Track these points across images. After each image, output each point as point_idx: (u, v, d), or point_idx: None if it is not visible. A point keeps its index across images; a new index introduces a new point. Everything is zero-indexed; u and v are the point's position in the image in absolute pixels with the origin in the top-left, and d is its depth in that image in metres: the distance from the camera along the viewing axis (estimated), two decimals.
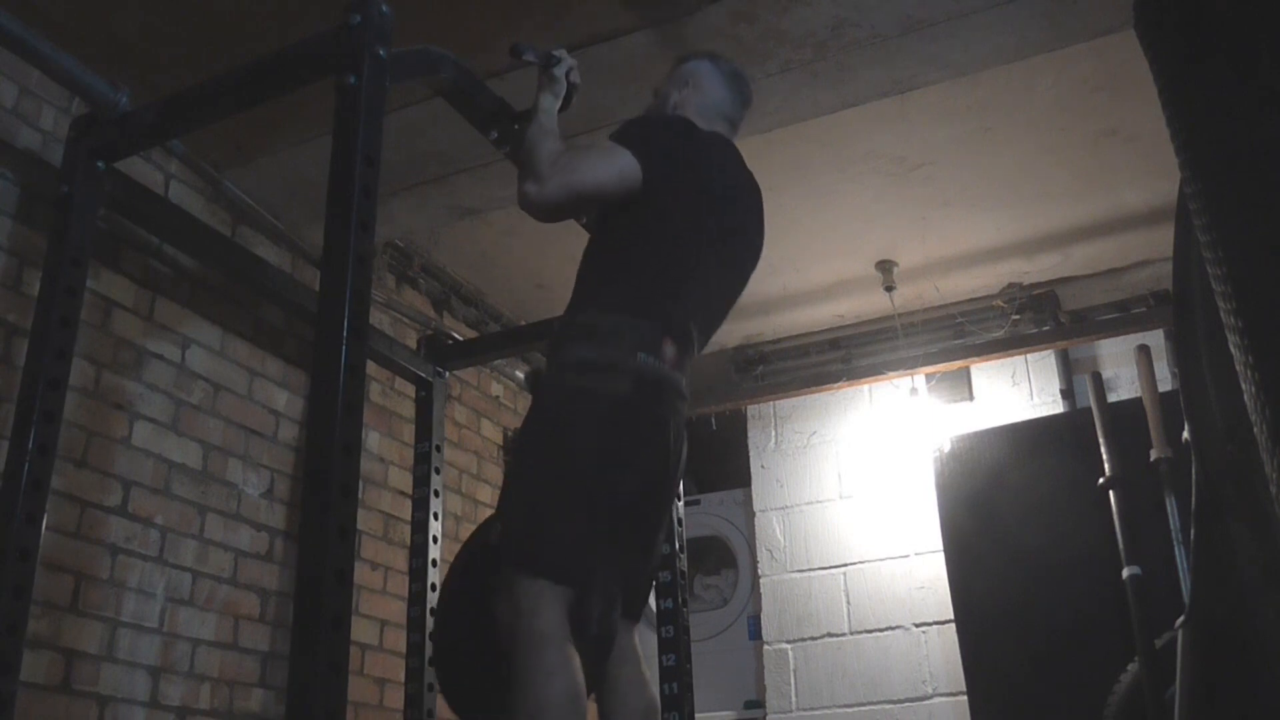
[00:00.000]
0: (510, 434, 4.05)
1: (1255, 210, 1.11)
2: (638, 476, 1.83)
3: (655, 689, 1.95)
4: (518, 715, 1.63)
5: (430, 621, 3.12)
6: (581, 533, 1.76)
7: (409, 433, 3.44)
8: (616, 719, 1.88)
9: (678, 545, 2.95)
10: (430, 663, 3.08)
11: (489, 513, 3.84)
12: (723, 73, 2.23)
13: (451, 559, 3.52)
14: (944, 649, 3.79)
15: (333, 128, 1.82)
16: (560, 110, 2.18)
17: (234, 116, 2.30)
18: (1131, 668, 3.05)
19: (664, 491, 1.91)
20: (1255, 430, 1.08)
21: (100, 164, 2.33)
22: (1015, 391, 4.07)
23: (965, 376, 4.14)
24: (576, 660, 1.68)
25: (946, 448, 3.84)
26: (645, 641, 2.08)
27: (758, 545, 4.29)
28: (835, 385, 4.18)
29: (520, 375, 4.18)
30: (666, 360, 1.84)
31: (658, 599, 2.90)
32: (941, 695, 3.79)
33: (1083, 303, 4.03)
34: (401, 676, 3.13)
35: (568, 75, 2.20)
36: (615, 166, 1.92)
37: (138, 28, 2.45)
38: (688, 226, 1.95)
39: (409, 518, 3.30)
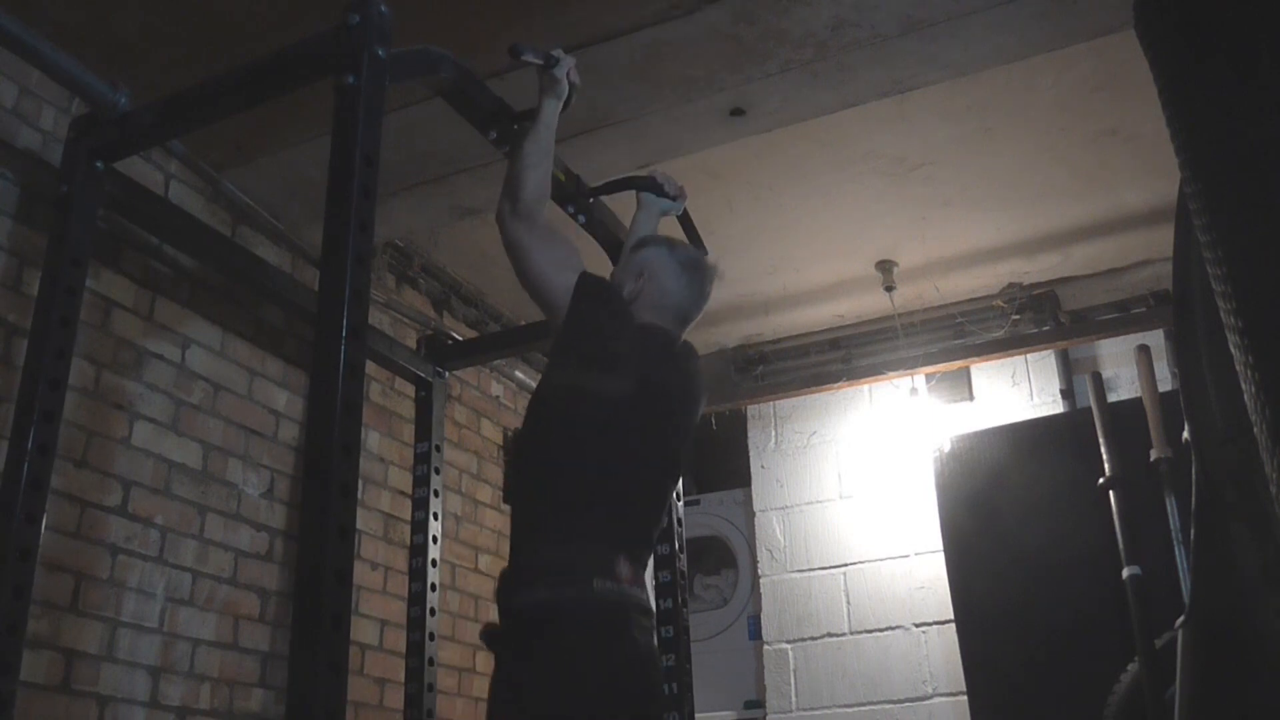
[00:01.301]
0: (510, 433, 4.05)
1: (1255, 210, 1.11)
2: (619, 706, 1.74)
3: None
4: None
5: (430, 621, 3.12)
6: None
7: (409, 433, 3.44)
8: None
9: (678, 545, 2.95)
10: (432, 664, 3.08)
11: (489, 512, 3.86)
12: (678, 263, 2.10)
13: (452, 559, 3.54)
14: (944, 649, 3.79)
15: (332, 128, 1.82)
16: (560, 111, 2.18)
17: (234, 116, 2.30)
18: (1131, 668, 3.06)
19: (649, 710, 1.83)
20: (1255, 430, 1.08)
21: (100, 164, 2.33)
22: (1015, 391, 4.07)
23: (965, 376, 4.14)
24: None
25: (946, 448, 3.84)
26: None
27: (758, 545, 4.29)
28: (835, 385, 4.18)
29: (520, 375, 4.18)
30: (623, 580, 1.77)
31: (658, 599, 2.90)
32: (941, 695, 3.79)
33: (1083, 303, 4.03)
34: (401, 676, 3.13)
35: (568, 75, 2.20)
36: (557, 271, 1.92)
37: (138, 28, 2.45)
38: (621, 435, 1.88)
39: (409, 518, 3.30)
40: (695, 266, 2.12)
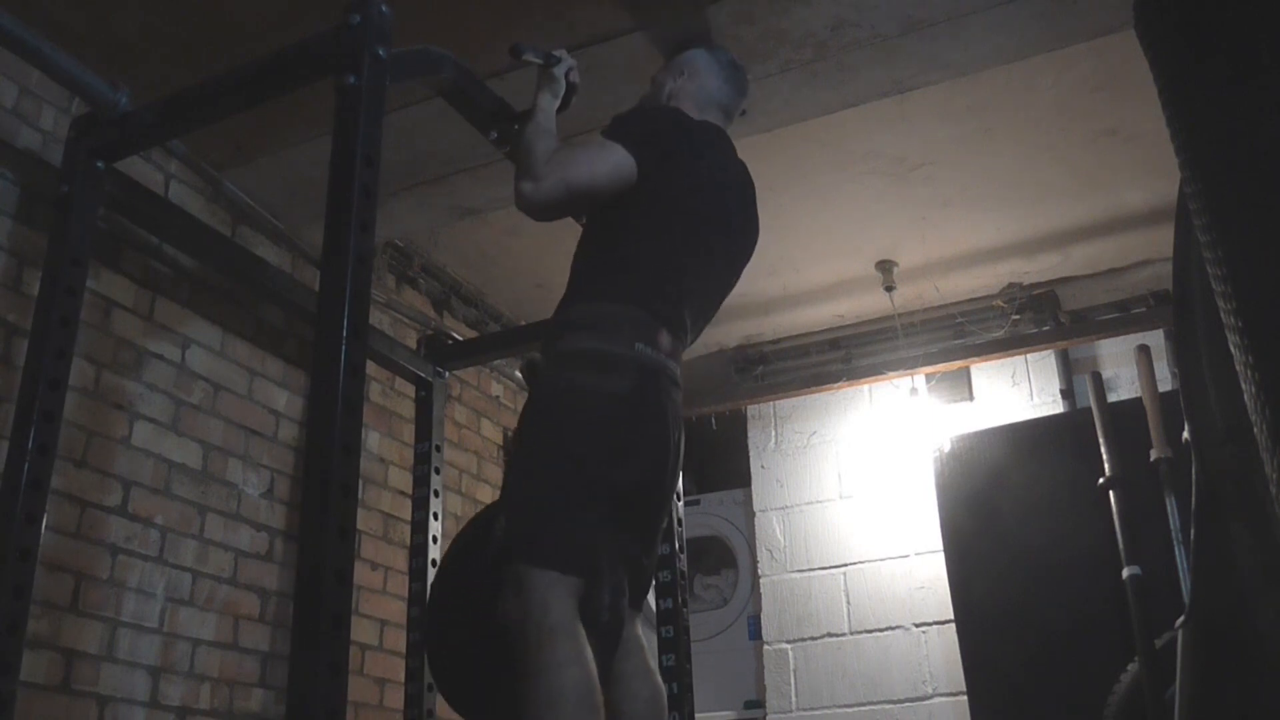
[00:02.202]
0: (510, 434, 4.06)
1: (1255, 210, 1.11)
2: (639, 464, 1.84)
3: (660, 678, 1.95)
4: (531, 708, 1.62)
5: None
6: (587, 522, 1.77)
7: (409, 433, 3.44)
8: (624, 708, 1.88)
9: (678, 545, 2.95)
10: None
11: None
12: (719, 62, 2.25)
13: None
14: (944, 649, 3.79)
15: (333, 128, 1.82)
16: (560, 110, 2.18)
17: (234, 116, 2.30)
18: (1131, 668, 3.05)
19: (664, 480, 1.92)
20: (1255, 430, 1.08)
21: (100, 164, 2.33)
22: (1015, 391, 4.07)
23: (965, 376, 4.14)
24: (589, 651, 1.68)
25: (946, 448, 3.84)
26: (646, 640, 2.08)
27: (758, 545, 4.29)
28: (835, 385, 4.19)
29: (519, 375, 4.18)
30: (663, 349, 1.87)
31: (658, 599, 2.90)
32: (941, 695, 3.79)
33: (1083, 303, 4.03)
34: (401, 676, 3.13)
35: (567, 75, 2.21)
36: (609, 163, 1.93)
37: (138, 28, 2.45)
38: (680, 217, 1.97)
39: (409, 518, 3.30)
40: (734, 64, 2.27)
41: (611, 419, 1.80)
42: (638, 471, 1.84)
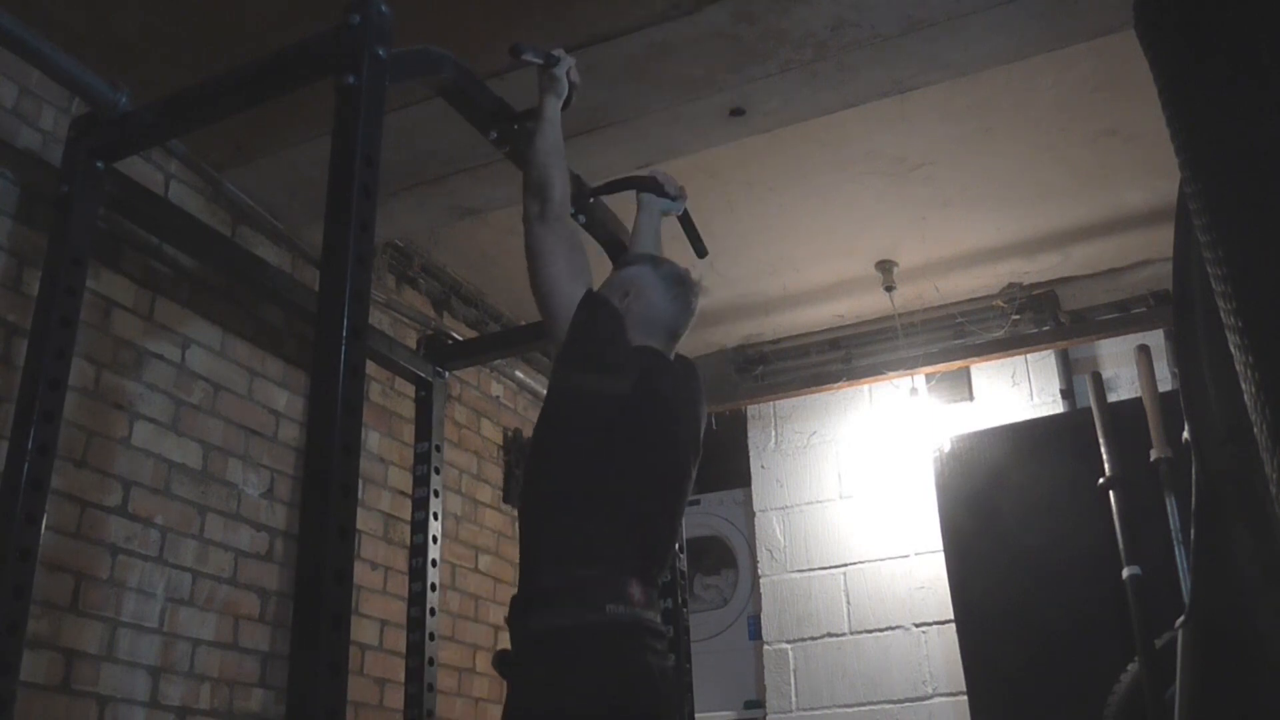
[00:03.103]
0: (510, 433, 4.06)
1: (1255, 210, 1.11)
2: None
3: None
4: None
5: (430, 621, 3.12)
6: None
7: (409, 433, 3.44)
8: None
9: (678, 545, 2.95)
10: (432, 664, 3.08)
11: (489, 512, 3.86)
12: (663, 279, 2.09)
13: (452, 559, 3.54)
14: (944, 649, 3.79)
15: (333, 128, 1.82)
16: (561, 110, 2.18)
17: (234, 116, 2.30)
18: (1131, 668, 3.06)
19: None
20: (1255, 430, 1.08)
21: (100, 164, 2.32)
22: (1015, 391, 4.07)
23: (965, 376, 4.14)
24: None
25: (946, 448, 3.84)
26: None
27: (758, 545, 4.29)
28: (835, 385, 4.19)
29: (520, 375, 4.18)
30: (636, 603, 1.77)
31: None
32: (941, 695, 3.79)
33: (1083, 303, 4.03)
34: (401, 676, 3.13)
35: (568, 75, 2.20)
36: (569, 281, 1.91)
37: (138, 28, 2.44)
38: (628, 455, 1.87)
39: (409, 518, 3.30)
40: (681, 281, 2.10)
41: (593, 693, 1.70)
42: None
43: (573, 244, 1.98)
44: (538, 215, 1.95)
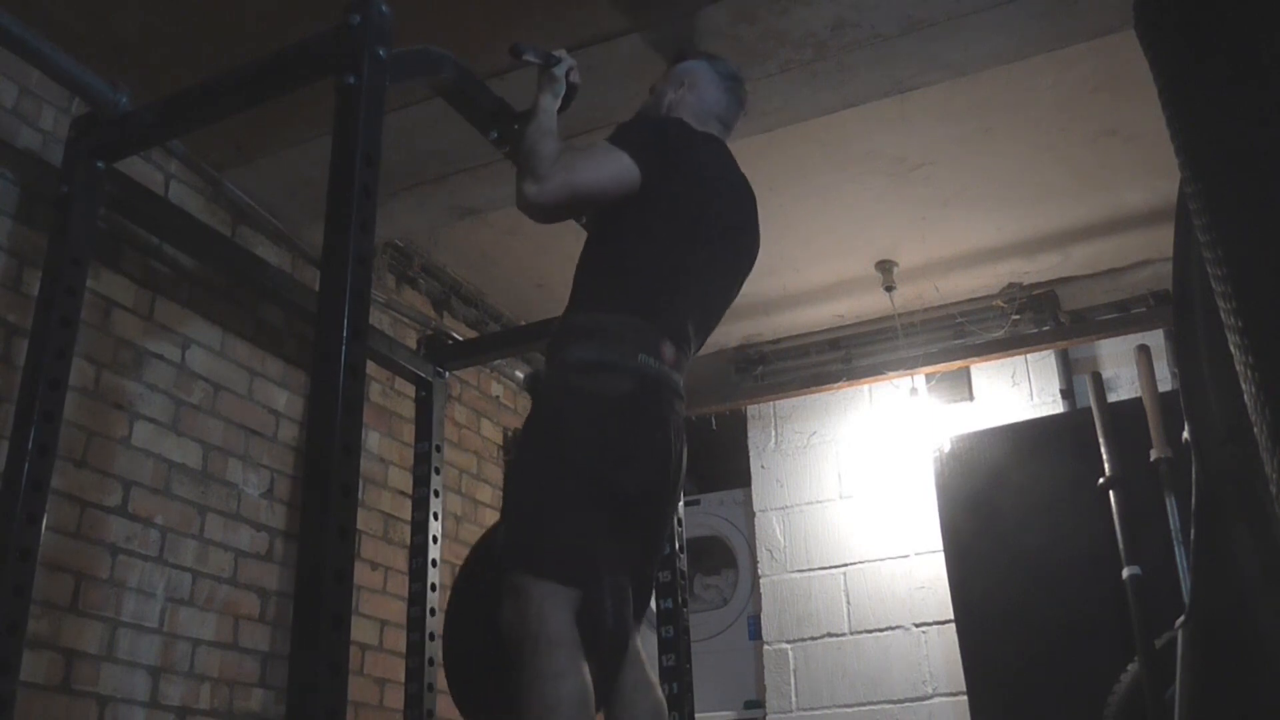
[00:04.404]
0: (510, 434, 4.05)
1: (1255, 210, 1.11)
2: (640, 474, 1.83)
3: (660, 691, 1.94)
4: (528, 717, 1.62)
5: (430, 621, 3.12)
6: (587, 532, 1.76)
7: (409, 433, 3.44)
8: None
9: (678, 545, 2.95)
10: (432, 664, 3.08)
11: (489, 513, 3.86)
12: (718, 74, 2.24)
13: (452, 559, 3.54)
14: (944, 649, 3.79)
15: (333, 128, 1.82)
16: (560, 110, 2.18)
17: (234, 116, 2.30)
18: (1131, 668, 3.05)
19: (666, 489, 1.91)
20: (1255, 430, 1.08)
21: (100, 164, 2.33)
22: (1015, 391, 4.07)
23: (965, 376, 4.14)
24: (585, 663, 1.67)
25: (946, 448, 3.84)
26: (646, 642, 2.08)
27: (758, 545, 4.29)
28: (835, 385, 4.18)
29: (520, 375, 4.18)
30: (666, 360, 1.86)
31: (658, 599, 2.90)
32: (941, 695, 3.79)
33: (1083, 303, 4.03)
34: (401, 676, 3.13)
35: (568, 75, 2.20)
36: (613, 168, 1.93)
37: (138, 28, 2.45)
38: (683, 228, 1.96)
39: (409, 518, 3.30)
40: (734, 76, 2.26)
41: (612, 427, 1.79)
42: (639, 479, 1.83)
43: (573, 161, 1.96)
44: (534, 190, 1.94)
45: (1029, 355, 4.03)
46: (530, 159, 1.98)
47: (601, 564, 1.77)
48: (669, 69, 2.30)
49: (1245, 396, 1.09)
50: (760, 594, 4.22)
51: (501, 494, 1.85)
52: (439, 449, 3.36)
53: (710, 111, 2.19)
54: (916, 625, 3.91)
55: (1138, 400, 3.44)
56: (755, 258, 2.20)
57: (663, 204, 1.94)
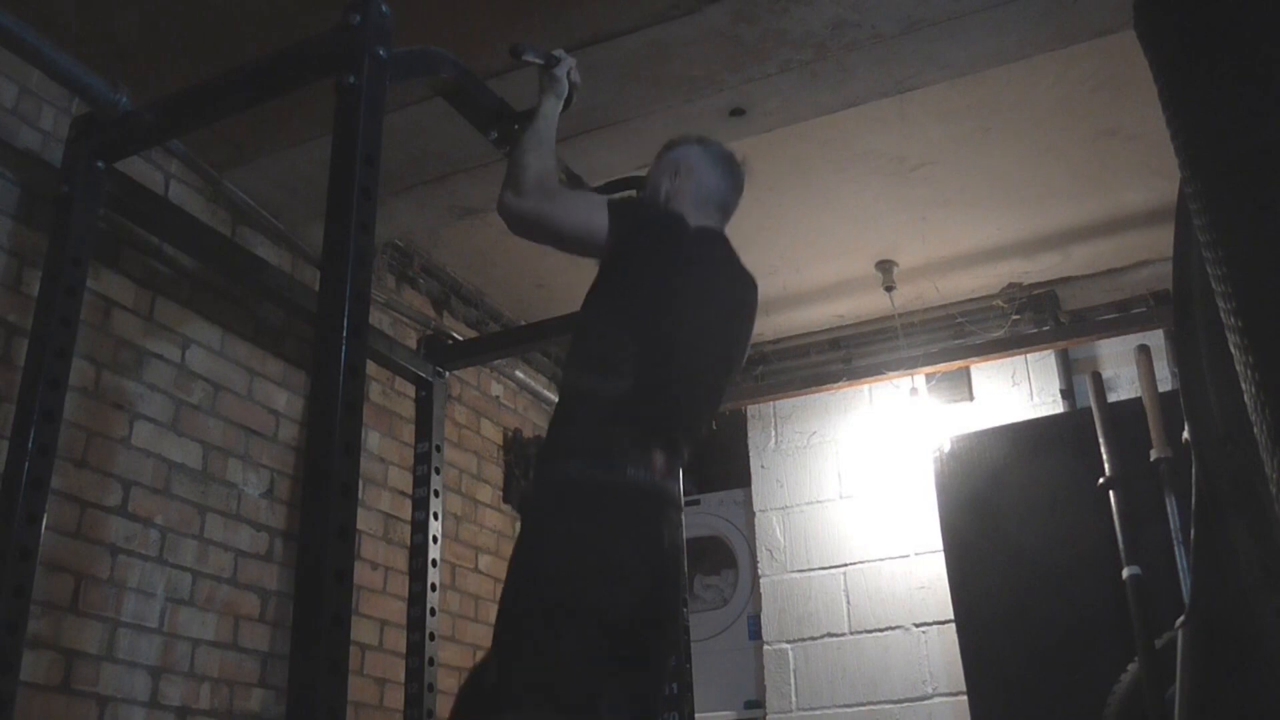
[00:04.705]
0: (510, 433, 4.05)
1: (1255, 210, 1.11)
2: (636, 594, 1.74)
3: None
4: None
5: (430, 621, 3.12)
6: (583, 663, 1.67)
7: (409, 433, 3.44)
8: None
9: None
10: (432, 664, 3.08)
11: (489, 512, 3.86)
12: (713, 157, 2.13)
13: (452, 559, 3.54)
14: (944, 649, 3.79)
15: (333, 128, 1.82)
16: (561, 111, 2.18)
17: (234, 116, 2.30)
18: (1131, 668, 3.05)
19: (664, 606, 1.83)
20: (1255, 430, 1.07)
21: (100, 164, 2.33)
22: (1015, 391, 4.07)
23: (965, 376, 4.14)
24: None
25: (946, 448, 3.84)
26: None
27: (758, 545, 4.29)
28: (835, 385, 4.18)
29: (520, 375, 4.18)
30: (657, 471, 1.79)
31: None
32: (941, 695, 3.79)
33: (1083, 303, 4.03)
34: (401, 676, 3.13)
35: (568, 75, 2.20)
36: (584, 217, 1.90)
37: (138, 28, 2.44)
38: (674, 329, 1.88)
39: (409, 518, 3.30)
40: (729, 158, 2.15)
41: (602, 549, 1.71)
42: (634, 601, 1.73)
43: (561, 193, 1.95)
44: (512, 199, 1.92)
45: (1029, 355, 4.04)
46: (517, 168, 1.96)
47: (601, 699, 1.68)
48: (660, 156, 2.18)
49: (1245, 396, 1.09)
50: (760, 594, 4.23)
51: (493, 629, 1.76)
52: (439, 449, 3.36)
53: (709, 198, 2.08)
54: (916, 625, 3.91)
55: (1138, 400, 3.44)
56: (747, 350, 2.14)
57: (651, 303, 1.88)
